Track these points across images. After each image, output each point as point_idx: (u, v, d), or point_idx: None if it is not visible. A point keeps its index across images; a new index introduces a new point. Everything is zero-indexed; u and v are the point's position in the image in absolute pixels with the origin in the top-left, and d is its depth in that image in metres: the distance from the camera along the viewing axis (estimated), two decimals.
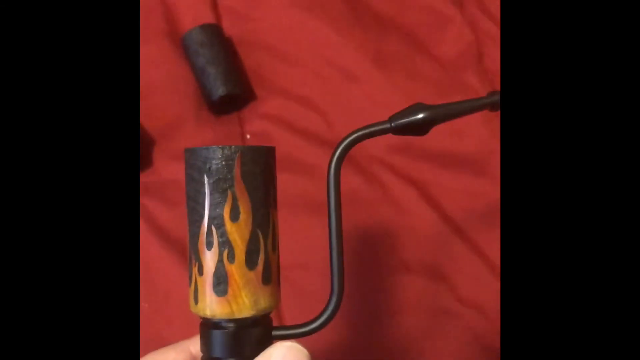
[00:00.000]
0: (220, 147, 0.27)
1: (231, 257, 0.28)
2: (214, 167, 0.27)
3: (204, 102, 0.59)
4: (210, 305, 0.28)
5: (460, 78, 0.61)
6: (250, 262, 0.28)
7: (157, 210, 0.54)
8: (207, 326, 0.29)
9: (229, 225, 0.27)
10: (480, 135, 0.58)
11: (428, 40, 0.63)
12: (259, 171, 0.28)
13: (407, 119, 0.29)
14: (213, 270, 0.28)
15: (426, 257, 0.54)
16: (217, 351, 0.28)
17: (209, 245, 0.28)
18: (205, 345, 0.29)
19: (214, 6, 0.63)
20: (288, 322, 0.51)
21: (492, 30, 0.63)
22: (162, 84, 0.60)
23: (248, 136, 0.58)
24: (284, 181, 0.59)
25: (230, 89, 0.56)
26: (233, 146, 0.27)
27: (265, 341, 0.29)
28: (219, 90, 0.56)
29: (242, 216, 0.28)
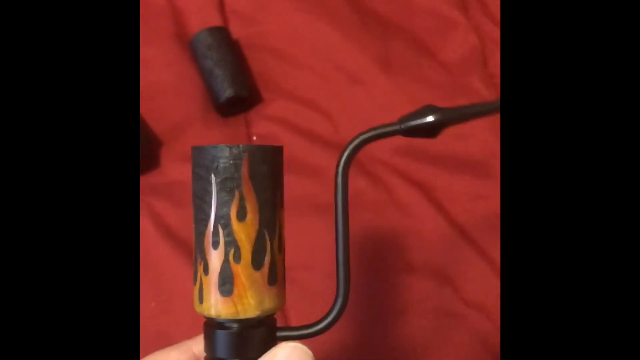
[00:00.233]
0: (228, 146, 0.27)
1: (237, 257, 0.27)
2: (221, 165, 0.27)
3: (211, 104, 0.59)
4: (215, 305, 0.28)
5: (464, 82, 0.61)
6: (257, 263, 0.28)
7: (164, 210, 0.55)
8: (211, 326, 0.28)
9: (235, 225, 0.27)
10: (485, 138, 0.58)
11: (433, 44, 0.63)
12: (267, 171, 0.28)
13: (417, 121, 0.29)
14: (219, 270, 0.27)
15: (431, 259, 0.54)
16: (221, 351, 0.28)
17: (215, 245, 0.27)
18: (209, 345, 0.29)
19: (221, 10, 0.64)
20: (293, 322, 0.51)
21: (497, 34, 0.64)
22: (170, 86, 0.60)
23: (254, 138, 0.59)
24: (289, 182, 0.59)
25: (237, 91, 0.57)
26: (241, 145, 0.27)
27: (270, 342, 0.29)
28: (226, 92, 0.57)
29: (249, 216, 0.27)
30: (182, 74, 0.60)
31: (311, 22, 0.63)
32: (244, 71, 0.59)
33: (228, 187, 0.27)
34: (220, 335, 0.28)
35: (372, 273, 0.53)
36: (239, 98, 0.57)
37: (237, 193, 0.27)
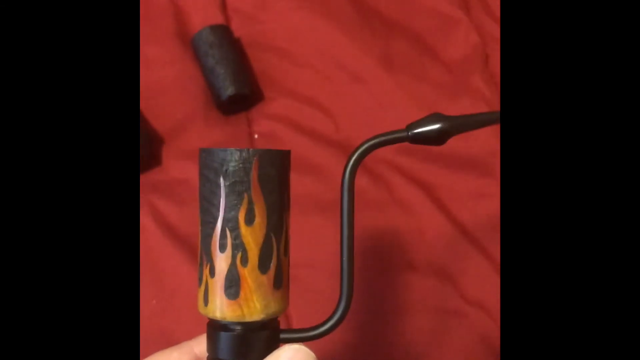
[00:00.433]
0: (238, 150, 0.27)
1: (244, 261, 0.27)
2: (230, 169, 0.27)
3: (213, 102, 0.59)
4: (221, 308, 0.28)
5: (466, 80, 0.61)
6: (263, 266, 0.28)
7: (166, 208, 0.55)
8: (215, 328, 0.28)
9: (243, 229, 0.27)
10: (487, 137, 0.58)
11: (435, 43, 0.63)
12: (275, 175, 0.28)
13: (424, 128, 0.29)
14: (225, 272, 0.27)
15: (433, 258, 0.54)
16: (224, 353, 0.28)
17: (222, 248, 0.27)
18: (212, 347, 0.29)
19: (223, 8, 0.64)
20: (294, 320, 0.51)
21: (498, 33, 0.63)
22: (172, 84, 0.60)
23: (256, 136, 0.59)
24: (291, 181, 0.59)
25: (239, 89, 0.57)
26: (251, 149, 0.27)
27: (273, 344, 0.29)
28: (227, 90, 0.57)
29: (257, 220, 0.27)
30: (184, 72, 0.60)
31: (313, 21, 0.63)
32: (245, 69, 0.59)
33: (237, 191, 0.27)
34: (224, 337, 0.28)
35: (373, 271, 0.53)
36: (241, 96, 0.57)
37: (245, 197, 0.27)
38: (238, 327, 0.28)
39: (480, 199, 0.56)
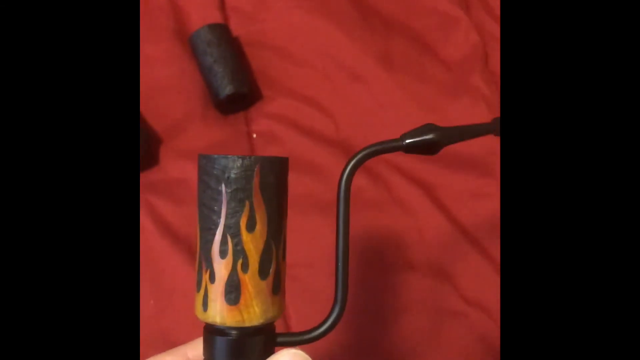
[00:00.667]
0: (240, 157, 0.27)
1: (245, 267, 0.28)
2: (232, 176, 0.27)
3: (211, 101, 0.59)
4: (221, 313, 0.28)
5: (466, 80, 0.61)
6: (263, 272, 0.28)
7: (163, 208, 0.55)
8: (212, 332, 0.29)
9: (244, 235, 0.27)
10: (487, 137, 0.58)
11: (434, 42, 0.63)
12: (275, 182, 0.28)
13: (418, 138, 0.30)
14: (226, 278, 0.28)
15: (431, 258, 0.54)
16: (221, 358, 0.28)
17: (223, 254, 0.27)
18: (209, 351, 0.29)
19: (222, 6, 0.63)
20: (292, 320, 0.51)
21: (498, 32, 0.63)
22: (170, 83, 0.60)
23: (254, 135, 0.58)
24: (289, 181, 0.59)
25: (237, 88, 0.57)
26: (253, 157, 0.27)
27: (269, 348, 0.29)
28: (226, 89, 0.56)
29: (258, 226, 0.28)
30: (182, 71, 0.60)
31: (312, 20, 0.63)
32: (244, 68, 0.59)
33: (238, 198, 0.27)
34: (221, 342, 0.28)
35: (372, 271, 0.53)
36: (239, 95, 0.57)
37: (247, 204, 0.27)
38: (235, 332, 0.28)
39: (480, 199, 0.56)
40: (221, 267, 0.28)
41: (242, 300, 0.28)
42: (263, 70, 0.61)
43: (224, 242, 0.27)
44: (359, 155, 0.30)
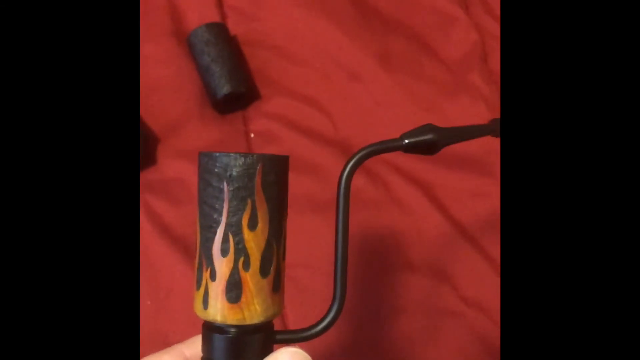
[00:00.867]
0: (242, 155, 0.27)
1: (246, 265, 0.28)
2: (235, 174, 0.27)
3: (209, 101, 0.59)
4: (222, 311, 0.28)
5: (465, 78, 0.61)
6: (264, 271, 0.28)
7: (161, 208, 0.54)
8: (212, 330, 0.29)
9: (246, 234, 0.27)
10: (485, 137, 0.58)
11: (433, 41, 0.63)
12: (277, 180, 0.28)
13: (417, 138, 0.31)
14: (227, 277, 0.28)
15: (430, 258, 0.54)
16: (220, 355, 0.28)
17: (224, 252, 0.27)
18: (208, 349, 0.29)
19: (220, 5, 0.63)
20: (290, 320, 0.51)
21: (497, 31, 0.63)
22: (167, 82, 0.60)
23: (252, 135, 0.58)
24: (289, 181, 0.59)
25: (235, 87, 0.56)
26: (255, 154, 0.27)
27: (268, 345, 0.29)
28: (223, 88, 0.56)
29: (260, 225, 0.28)
30: (180, 70, 0.60)
31: (310, 19, 0.63)
32: (241, 67, 0.59)
33: (240, 196, 0.27)
34: (221, 340, 0.28)
35: (371, 271, 0.53)
36: (237, 94, 0.57)
37: (249, 202, 0.27)
38: (234, 330, 0.28)
39: (478, 198, 0.56)
40: (222, 265, 0.28)
41: (243, 299, 0.28)
42: (261, 69, 0.61)
43: (225, 240, 0.27)
44: (359, 155, 0.30)
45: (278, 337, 0.30)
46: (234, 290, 0.28)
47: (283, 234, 0.29)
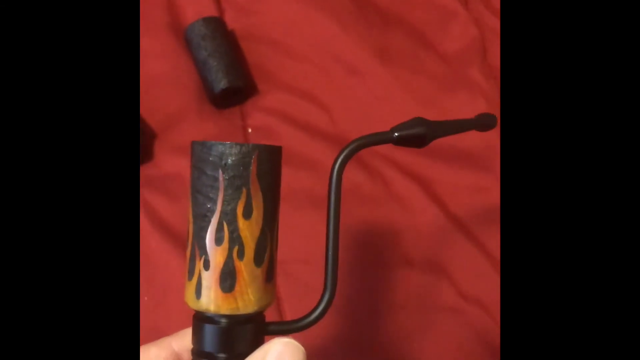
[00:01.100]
0: (237, 144, 0.27)
1: (241, 254, 0.28)
2: (230, 163, 0.27)
3: (206, 95, 0.58)
4: (216, 301, 0.28)
5: (464, 73, 0.61)
6: (258, 260, 0.28)
7: (158, 203, 0.54)
8: (203, 320, 0.28)
9: (241, 222, 0.27)
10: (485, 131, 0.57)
11: (432, 36, 0.63)
12: (271, 170, 0.28)
13: (407, 132, 0.31)
14: (221, 266, 0.28)
15: (428, 253, 0.54)
16: (211, 346, 0.28)
17: (219, 241, 0.27)
18: (199, 340, 0.29)
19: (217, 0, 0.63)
20: (288, 316, 0.51)
21: (496, 25, 0.63)
22: (164, 77, 0.59)
23: (250, 130, 0.58)
24: (285, 175, 0.59)
25: (233, 82, 0.56)
26: (250, 144, 0.27)
27: (260, 336, 0.29)
28: (221, 83, 0.56)
29: (255, 214, 0.28)
30: (177, 65, 0.60)
31: (308, 13, 0.62)
32: (239, 62, 0.58)
33: (235, 185, 0.27)
34: (212, 330, 0.28)
35: (369, 267, 0.53)
36: (234, 89, 0.57)
37: (244, 191, 0.27)
38: (227, 320, 0.28)
39: (477, 193, 0.56)
40: (217, 255, 0.28)
41: (237, 288, 0.28)
42: (259, 64, 0.60)
43: (219, 229, 0.27)
44: (350, 147, 0.30)
45: (270, 328, 0.30)
46: (228, 280, 0.28)
47: (276, 224, 0.29)
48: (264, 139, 0.57)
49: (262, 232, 0.28)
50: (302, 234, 0.52)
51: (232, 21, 0.62)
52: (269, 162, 0.28)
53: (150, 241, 0.52)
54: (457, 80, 0.61)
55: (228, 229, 0.27)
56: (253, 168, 0.27)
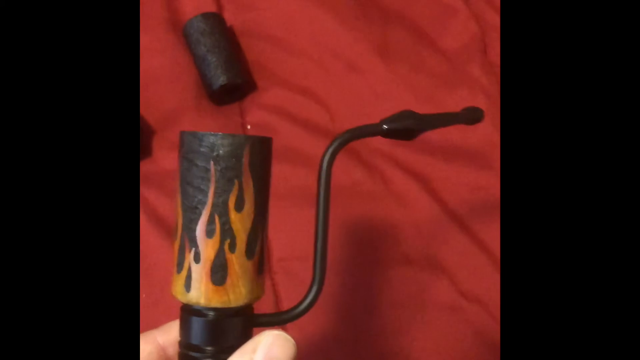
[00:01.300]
0: (229, 135, 0.27)
1: (232, 247, 0.27)
2: (221, 153, 0.27)
3: (205, 92, 0.58)
4: (206, 294, 0.27)
5: (464, 70, 0.61)
6: (250, 252, 0.28)
7: (156, 200, 0.54)
8: (191, 313, 0.28)
9: (233, 215, 0.27)
10: (483, 128, 0.57)
11: (432, 32, 0.62)
12: (263, 162, 0.28)
13: (396, 124, 0.32)
14: (212, 258, 0.27)
15: (427, 250, 0.53)
16: (199, 338, 0.28)
17: (210, 234, 0.27)
18: (187, 333, 0.28)
19: None
20: None
21: (497, 22, 0.63)
22: (163, 73, 0.59)
23: (249, 127, 0.58)
24: (284, 172, 0.59)
25: (231, 78, 0.56)
26: (243, 135, 0.27)
27: (249, 328, 0.29)
28: (219, 79, 0.55)
29: (247, 206, 0.27)
30: (175, 61, 0.60)
31: (308, 9, 0.62)
32: (238, 58, 0.58)
33: (227, 177, 0.27)
34: (200, 323, 0.28)
35: (368, 264, 0.52)
36: (233, 85, 0.56)
37: (236, 183, 0.27)
38: (216, 313, 0.28)
39: (476, 191, 0.56)
40: (208, 247, 0.27)
41: (228, 280, 0.27)
42: (258, 60, 0.60)
43: (211, 221, 0.27)
44: (339, 140, 0.31)
45: (260, 319, 0.29)
46: (219, 272, 0.27)
47: (267, 216, 0.29)
48: (263, 135, 0.57)
49: (254, 224, 0.28)
50: (300, 232, 0.52)
51: (231, 17, 0.62)
52: (260, 154, 0.28)
53: (147, 237, 0.52)
54: (458, 76, 0.60)
55: (220, 222, 0.27)
56: (245, 159, 0.27)
